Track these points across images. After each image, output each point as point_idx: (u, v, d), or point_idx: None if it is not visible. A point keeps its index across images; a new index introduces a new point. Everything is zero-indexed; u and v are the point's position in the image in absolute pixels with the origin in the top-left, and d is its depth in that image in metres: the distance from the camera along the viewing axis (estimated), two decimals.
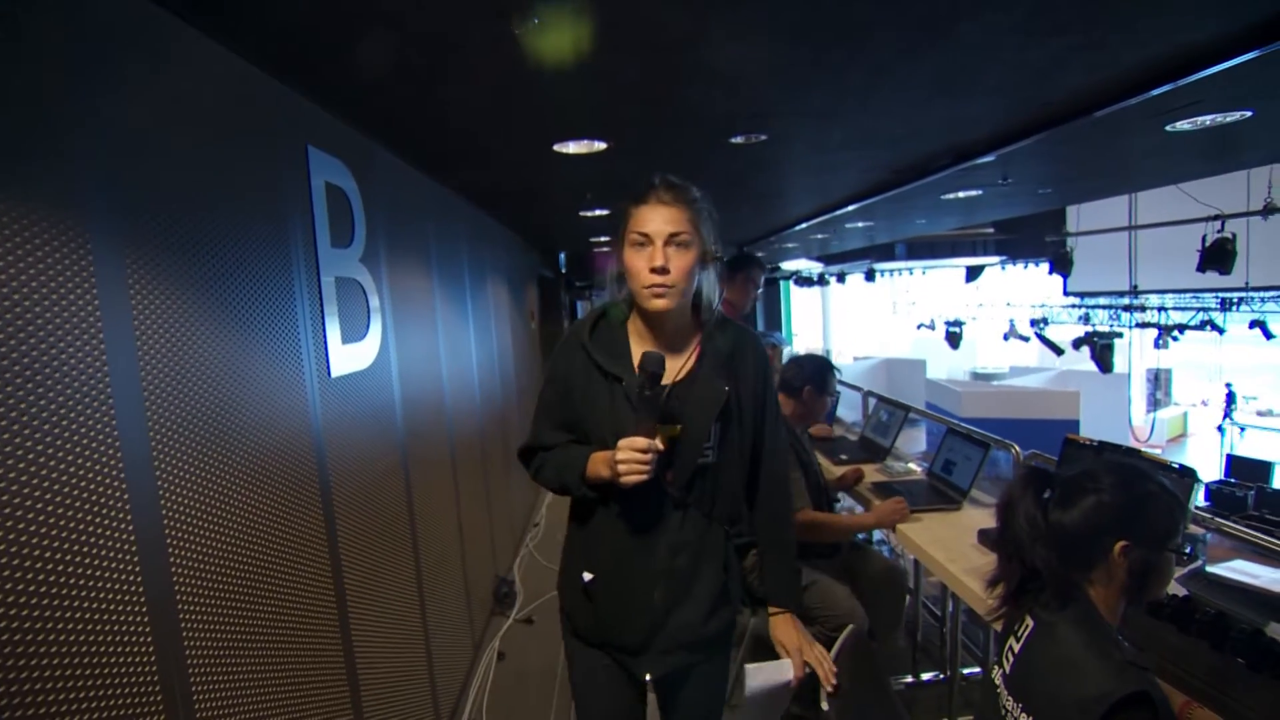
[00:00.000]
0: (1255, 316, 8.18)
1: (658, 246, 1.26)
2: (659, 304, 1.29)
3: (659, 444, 1.24)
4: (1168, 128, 2.37)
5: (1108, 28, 1.50)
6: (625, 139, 2.29)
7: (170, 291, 1.14)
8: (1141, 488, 1.11)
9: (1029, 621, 1.16)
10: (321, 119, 1.83)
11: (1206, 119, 2.27)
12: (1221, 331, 8.40)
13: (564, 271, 8.51)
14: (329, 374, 1.74)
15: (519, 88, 1.73)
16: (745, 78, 1.73)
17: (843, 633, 1.54)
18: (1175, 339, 8.78)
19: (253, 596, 1.31)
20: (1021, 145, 2.50)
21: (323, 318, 1.72)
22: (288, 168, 1.61)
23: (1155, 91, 1.80)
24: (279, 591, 1.41)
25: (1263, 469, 7.29)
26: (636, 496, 1.30)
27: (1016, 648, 1.16)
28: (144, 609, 1.00)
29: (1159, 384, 14.87)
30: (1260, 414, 14.61)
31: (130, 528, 0.99)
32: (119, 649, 0.95)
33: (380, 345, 2.12)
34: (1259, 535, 1.71)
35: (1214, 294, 8.19)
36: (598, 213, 4.18)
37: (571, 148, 2.33)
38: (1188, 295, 8.56)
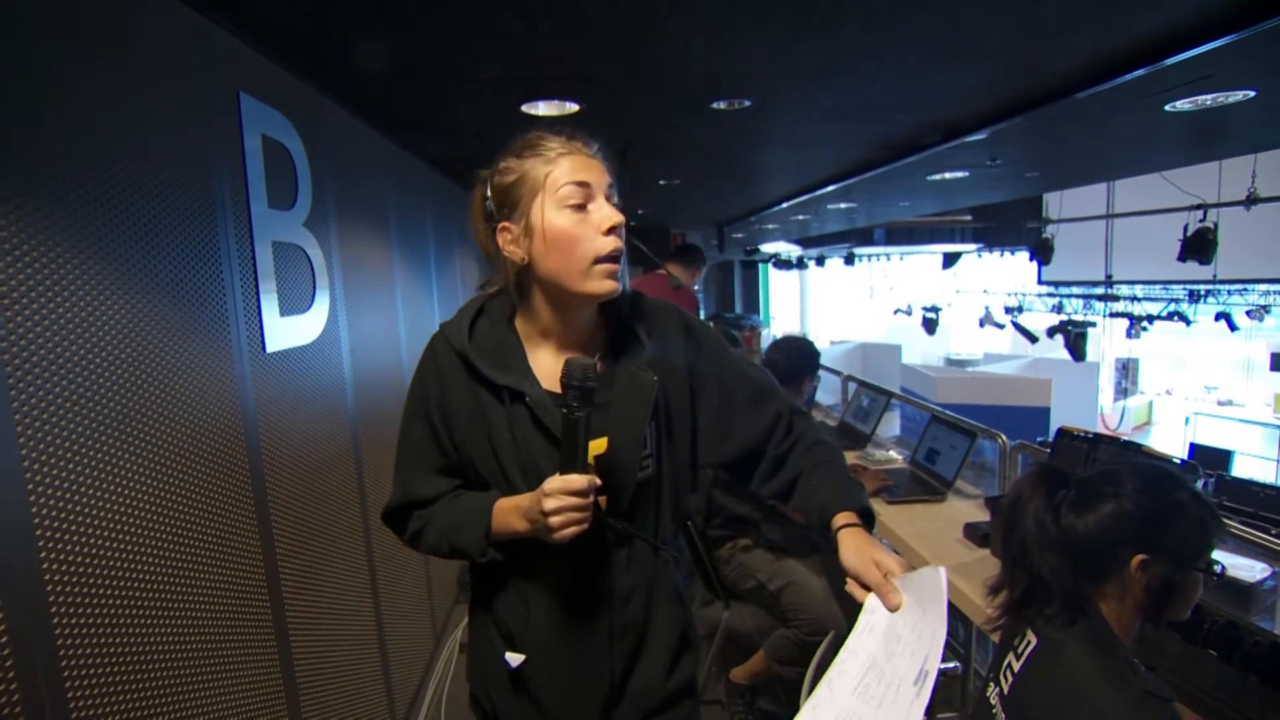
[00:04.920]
0: (1221, 309, 8.31)
1: (601, 200, 0.95)
2: (611, 287, 0.96)
3: (596, 478, 0.93)
4: (1167, 107, 2.27)
5: None
6: (599, 101, 2.12)
7: (51, 250, 0.96)
8: (1171, 496, 0.99)
9: (1031, 637, 1.04)
10: (260, 66, 1.63)
11: (1209, 98, 2.18)
12: (1189, 322, 8.51)
13: None
14: (264, 349, 1.56)
15: (484, 34, 1.57)
16: (730, 27, 1.57)
17: (823, 640, 1.42)
18: (1145, 329, 8.88)
19: (158, 596, 1.15)
20: (1014, 122, 2.39)
21: (256, 286, 1.54)
22: (214, 114, 1.43)
23: (1168, 61, 1.69)
24: (192, 588, 1.25)
25: (1223, 457, 7.42)
26: (565, 543, 0.96)
27: (1016, 666, 1.04)
28: None
29: (1127, 373, 15.14)
30: (1221, 404, 14.98)
31: None
32: None
33: (328, 318, 1.95)
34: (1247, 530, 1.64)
35: (1183, 285, 8.28)
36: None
37: (541, 108, 2.16)
38: (1158, 286, 8.65)
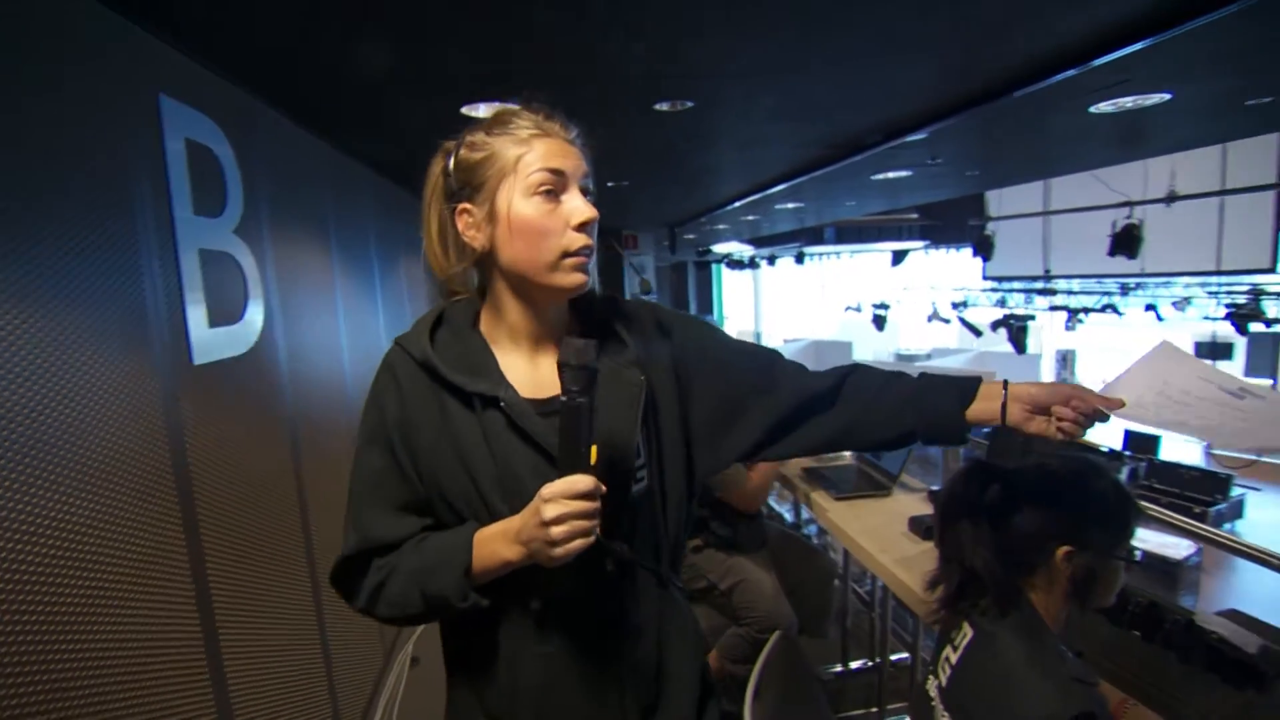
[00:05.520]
0: (1150, 300, 8.69)
1: (575, 191, 0.86)
2: (579, 280, 0.87)
3: (600, 483, 0.79)
4: (1092, 109, 2.36)
5: None
6: (541, 102, 2.10)
7: None
8: (1092, 489, 1.02)
9: (968, 630, 1.07)
10: (183, 67, 1.57)
11: (1129, 100, 2.27)
12: (1120, 315, 8.89)
13: None
14: (190, 360, 1.50)
15: (422, 35, 1.53)
16: (670, 28, 1.57)
17: (771, 637, 1.43)
18: (1081, 321, 9.22)
19: (69, 629, 1.09)
20: (953, 122, 2.45)
21: (181, 296, 1.48)
22: (131, 118, 1.36)
23: (1096, 62, 1.75)
24: (111, 616, 1.19)
25: (1152, 442, 7.75)
26: (553, 576, 0.83)
27: (954, 658, 1.07)
28: None
29: (1066, 364, 15.73)
30: None
31: None
32: None
33: (263, 327, 1.88)
34: (1170, 514, 1.71)
35: (1115, 279, 8.63)
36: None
37: (483, 110, 2.13)
38: (1092, 280, 9.00)
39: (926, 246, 10.91)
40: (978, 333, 10.65)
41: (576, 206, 0.86)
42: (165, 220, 1.44)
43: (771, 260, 12.51)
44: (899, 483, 2.47)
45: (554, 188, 0.85)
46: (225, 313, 1.68)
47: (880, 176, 3.93)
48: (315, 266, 2.41)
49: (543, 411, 0.87)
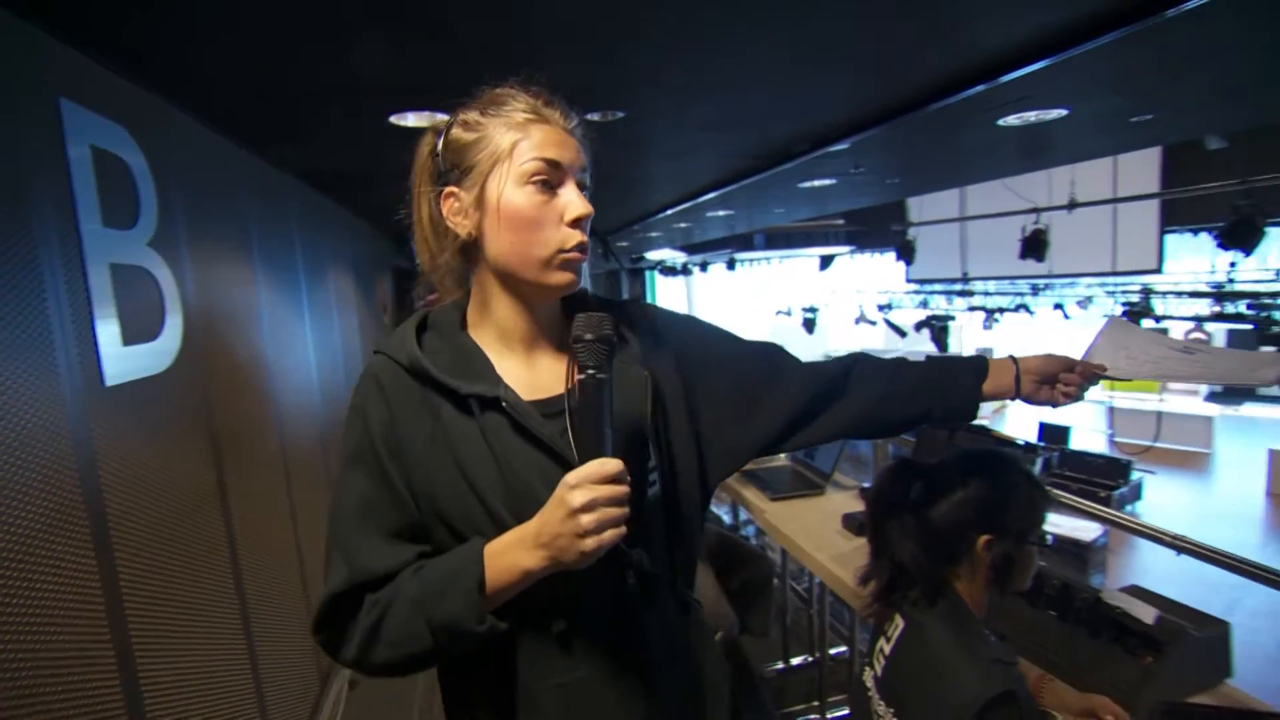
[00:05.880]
0: (1057, 300, 9.26)
1: (571, 184, 0.81)
2: (570, 279, 0.82)
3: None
4: (999, 122, 2.51)
5: (969, 6, 1.50)
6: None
7: None
8: (1005, 479, 1.09)
9: (899, 621, 1.12)
10: (87, 71, 1.49)
11: (1031, 115, 2.43)
12: (1032, 314, 9.43)
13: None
14: (102, 382, 1.42)
15: (346, 43, 1.50)
16: (601, 39, 1.59)
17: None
18: (997, 320, 9.74)
19: None
20: (873, 133, 2.55)
21: (90, 313, 1.40)
22: (26, 123, 1.28)
23: (1003, 79, 1.86)
24: (13, 659, 1.11)
25: (1063, 433, 8.24)
26: (575, 592, 0.78)
27: (887, 649, 1.12)
28: None
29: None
30: None
31: None
32: None
33: (183, 344, 1.80)
34: (1079, 500, 1.84)
35: (1027, 280, 9.16)
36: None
37: (411, 119, 2.09)
38: (1006, 282, 9.52)
39: (852, 251, 11.32)
40: (902, 333, 11.09)
41: (571, 200, 0.80)
42: (70, 233, 1.36)
43: (704, 267, 12.71)
44: (832, 481, 2.55)
45: (549, 179, 0.80)
46: (141, 330, 1.60)
47: (807, 185, 4.06)
48: (238, 280, 2.32)
49: (545, 414, 0.81)
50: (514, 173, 0.79)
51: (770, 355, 1.01)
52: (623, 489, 0.71)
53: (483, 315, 0.87)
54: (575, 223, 0.81)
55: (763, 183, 3.73)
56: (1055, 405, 1.02)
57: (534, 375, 0.85)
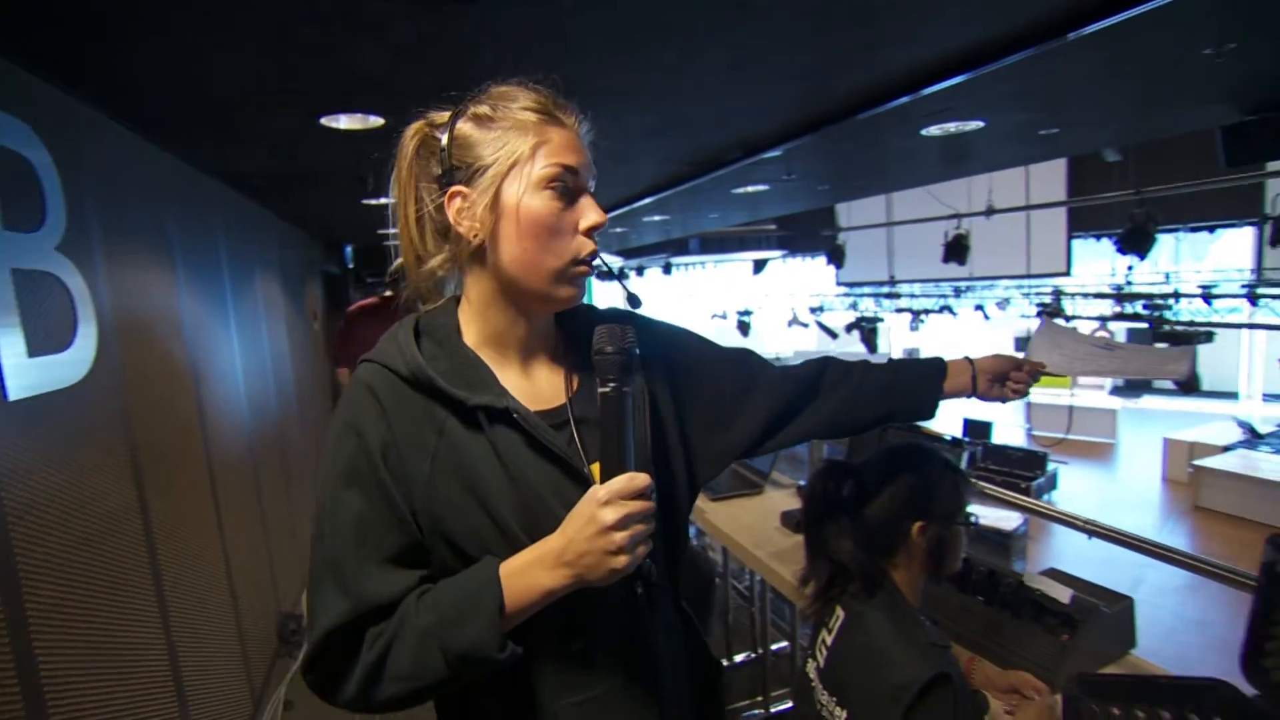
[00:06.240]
0: (978, 301, 9.75)
1: (587, 193, 0.78)
2: (577, 292, 0.80)
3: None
4: (923, 132, 2.64)
5: (896, 24, 1.57)
6: (406, 114, 2.04)
7: None
8: (930, 467, 1.16)
9: (840, 612, 1.16)
10: None
11: (952, 126, 2.56)
12: (955, 315, 9.90)
13: (351, 266, 7.80)
14: (4, 395, 1.33)
15: (275, 42, 1.45)
16: (539, 45, 1.59)
17: None
18: (923, 322, 10.17)
19: None
20: (805, 140, 2.64)
21: None
22: None
23: (925, 91, 1.96)
24: None
25: (985, 428, 8.67)
26: (589, 608, 0.75)
27: (829, 640, 1.16)
28: None
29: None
30: None
31: None
32: None
33: (97, 354, 1.70)
34: (1001, 490, 1.95)
35: (949, 283, 9.61)
36: (383, 200, 3.80)
37: (343, 121, 2.04)
38: (931, 284, 9.96)
39: (784, 255, 11.63)
40: (834, 335, 11.44)
41: (588, 209, 0.78)
42: None
43: (640, 271, 12.80)
44: (770, 480, 2.61)
45: (569, 185, 0.76)
46: (49, 340, 1.51)
47: (741, 190, 4.15)
48: (158, 286, 2.21)
49: (551, 425, 0.78)
50: (534, 177, 0.75)
51: (748, 362, 1.03)
52: (652, 504, 0.70)
53: (478, 323, 0.82)
54: (590, 231, 0.78)
55: (698, 189, 3.80)
56: (1005, 401, 1.11)
57: (532, 385, 0.82)
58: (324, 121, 2.03)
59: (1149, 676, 1.28)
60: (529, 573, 0.70)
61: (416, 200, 0.81)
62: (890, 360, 1.10)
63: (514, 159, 0.75)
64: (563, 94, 0.80)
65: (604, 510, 0.67)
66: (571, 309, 0.85)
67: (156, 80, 1.65)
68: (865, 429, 1.08)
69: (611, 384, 0.70)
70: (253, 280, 3.52)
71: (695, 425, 0.93)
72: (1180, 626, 4.53)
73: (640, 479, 0.69)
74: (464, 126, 0.78)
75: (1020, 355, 1.15)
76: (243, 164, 2.71)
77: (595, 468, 0.77)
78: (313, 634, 0.72)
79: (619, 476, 0.69)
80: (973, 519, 1.15)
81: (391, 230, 0.86)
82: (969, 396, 1.08)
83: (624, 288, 0.92)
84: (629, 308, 0.91)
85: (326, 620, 0.71)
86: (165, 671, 1.90)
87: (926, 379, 1.07)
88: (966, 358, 1.10)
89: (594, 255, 0.79)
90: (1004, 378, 1.10)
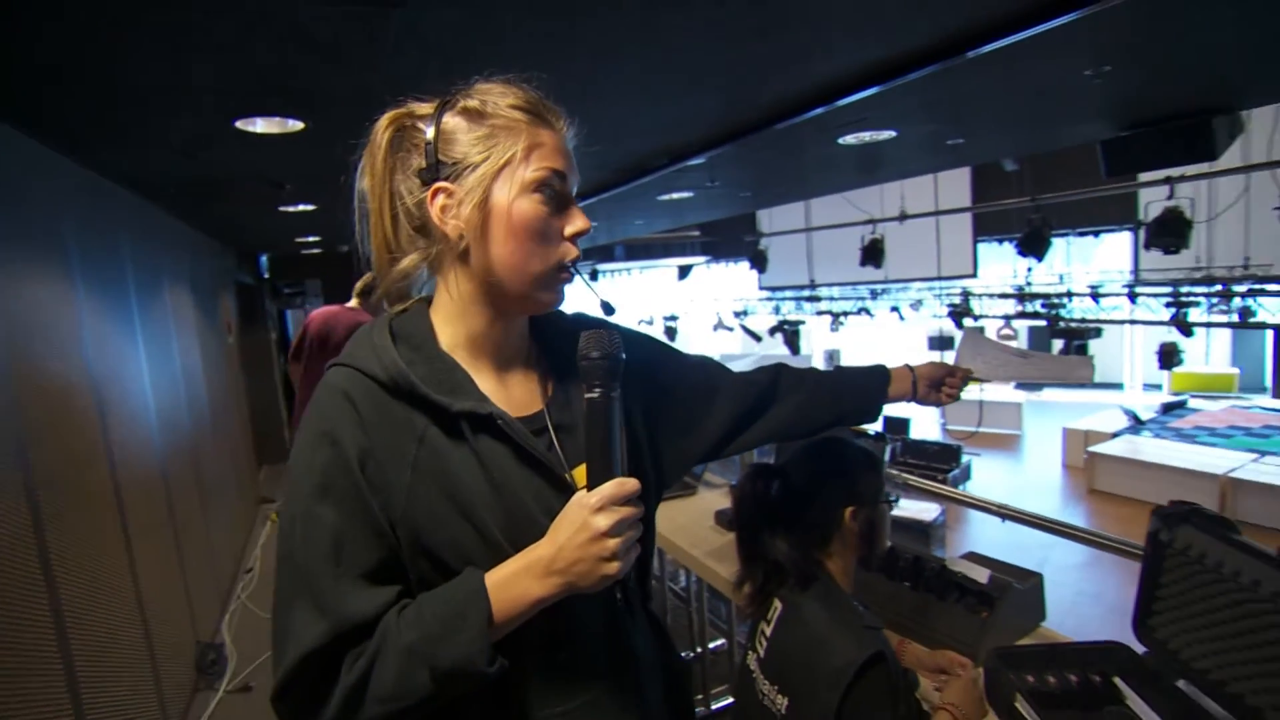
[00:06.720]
0: (893, 303, 10.22)
1: (573, 198, 0.78)
2: (557, 298, 0.80)
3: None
4: (839, 140, 2.76)
5: (811, 36, 1.64)
6: (327, 120, 1.99)
7: None
8: (850, 455, 1.23)
9: (778, 605, 1.20)
10: None
11: (866, 135, 2.69)
12: (872, 316, 10.35)
13: (267, 276, 7.46)
14: None
15: (186, 41, 1.39)
16: (461, 49, 1.57)
17: None
18: (842, 323, 10.58)
19: None
20: (727, 149, 2.72)
21: None
22: None
23: (840, 102, 2.05)
24: None
25: (904, 424, 9.09)
26: (573, 616, 0.75)
27: (768, 631, 1.20)
28: None
29: (832, 362, 17.94)
30: None
31: None
32: None
33: None
34: (922, 481, 2.07)
35: (867, 286, 10.03)
36: (302, 208, 3.67)
37: (260, 125, 1.97)
38: (849, 287, 10.37)
39: (708, 261, 11.86)
40: (757, 338, 11.73)
41: (575, 215, 0.77)
42: None
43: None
44: (703, 481, 2.66)
45: (557, 190, 0.75)
46: None
47: (666, 197, 4.22)
48: (53, 299, 2.06)
49: (530, 431, 0.77)
50: (525, 180, 0.73)
51: (710, 368, 1.05)
52: (641, 509, 0.70)
53: (454, 325, 0.79)
54: (574, 237, 0.77)
55: (623, 195, 3.84)
56: (940, 405, 1.22)
57: (508, 391, 0.80)
58: (239, 125, 1.94)
59: (1057, 645, 1.38)
60: (517, 582, 0.69)
61: (392, 195, 0.77)
62: (838, 368, 1.17)
63: (505, 159, 0.73)
64: (550, 96, 0.78)
65: (597, 517, 0.66)
66: (544, 314, 0.84)
67: (51, 79, 1.55)
68: (818, 432, 1.14)
69: (599, 389, 0.70)
70: (161, 292, 3.33)
71: (662, 429, 0.94)
72: (1081, 600, 4.90)
73: (630, 484, 0.69)
74: (452, 120, 0.75)
75: (949, 362, 1.26)
76: (150, 169, 2.57)
77: (577, 473, 0.77)
78: (285, 659, 0.68)
79: (610, 482, 0.68)
80: (892, 496, 1.23)
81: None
82: (909, 401, 1.18)
83: (596, 294, 0.92)
84: (602, 314, 0.92)
85: (302, 644, 0.67)
86: (67, 712, 1.77)
87: (873, 385, 1.15)
88: (907, 365, 1.19)
89: (577, 261, 0.78)
90: (940, 383, 1.20)
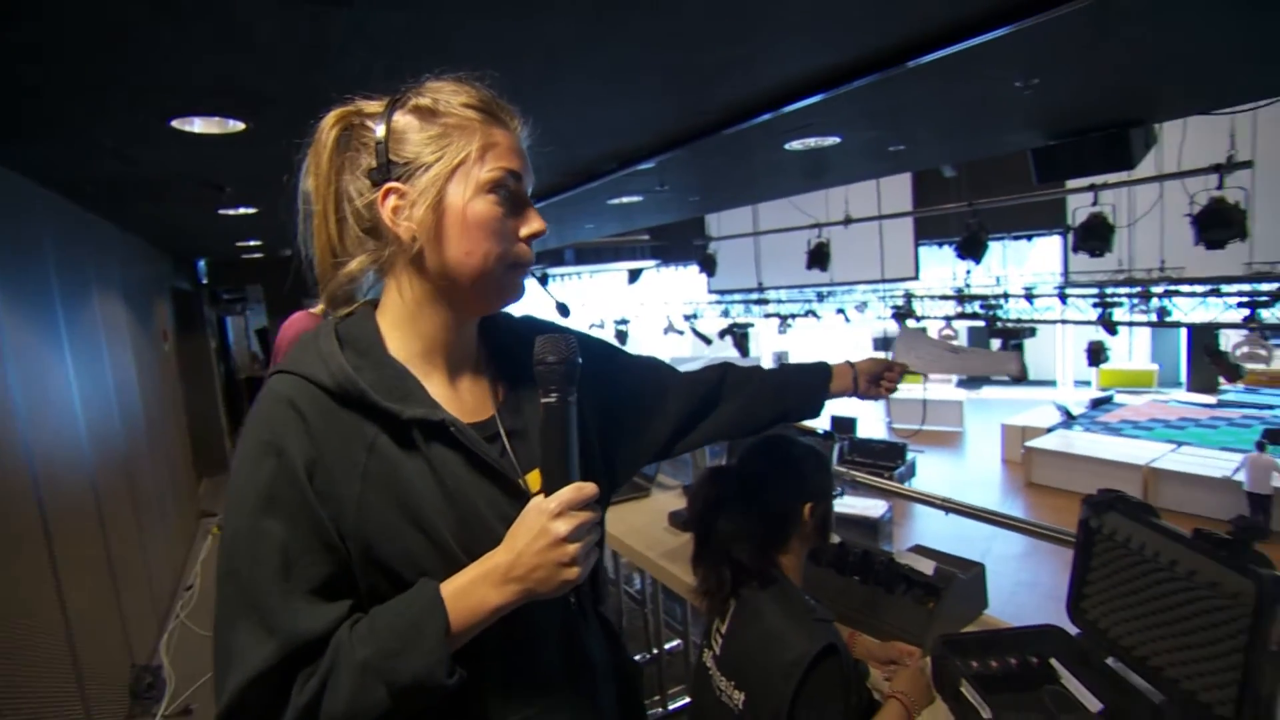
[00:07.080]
0: (839, 305, 10.48)
1: (528, 199, 0.77)
2: (514, 296, 0.79)
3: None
4: (786, 146, 2.82)
5: (759, 44, 1.68)
6: (269, 121, 1.94)
7: None
8: (800, 453, 1.26)
9: (732, 603, 1.22)
10: None
11: (812, 141, 2.76)
12: (819, 318, 10.59)
13: (205, 282, 7.18)
14: None
15: (119, 38, 1.34)
16: (408, 52, 1.56)
17: None
18: (790, 325, 10.79)
19: None
20: (677, 153, 2.75)
21: None
22: None
23: (786, 109, 2.10)
24: None
25: (851, 423, 9.33)
26: (530, 623, 0.73)
27: (724, 628, 1.22)
28: None
29: (780, 362, 18.26)
30: None
31: None
32: None
33: None
34: (870, 478, 2.13)
35: (813, 289, 10.26)
36: (242, 211, 3.55)
37: (197, 125, 1.90)
38: (796, 290, 10.59)
39: (658, 265, 11.93)
40: (708, 341, 11.86)
41: (531, 216, 0.76)
42: None
43: None
44: (656, 483, 2.68)
45: (512, 190, 0.73)
46: None
47: (616, 201, 4.25)
48: None
49: (490, 434, 0.76)
50: (479, 180, 0.71)
51: (658, 368, 1.06)
52: (598, 515, 0.69)
53: (403, 330, 0.76)
54: (529, 239, 0.76)
55: (573, 199, 3.85)
56: (879, 399, 1.26)
57: (458, 397, 0.78)
58: (175, 124, 1.87)
59: (998, 631, 1.44)
60: (474, 591, 0.67)
61: (338, 196, 0.74)
62: (782, 365, 1.20)
63: (459, 159, 0.71)
64: (502, 95, 0.76)
65: (556, 522, 0.66)
66: (491, 318, 0.83)
67: None
68: (764, 428, 1.16)
69: (555, 394, 0.69)
70: (89, 300, 3.17)
71: (614, 431, 0.93)
72: (1020, 588, 5.11)
73: (588, 488, 0.68)
74: (403, 119, 0.72)
75: (888, 358, 1.30)
76: (78, 170, 2.44)
77: (530, 478, 0.76)
78: (229, 683, 0.64)
79: (568, 487, 0.68)
80: (838, 491, 1.28)
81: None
82: (851, 395, 1.21)
83: (551, 296, 0.91)
84: (558, 316, 0.93)
85: (250, 666, 0.63)
86: None
87: (815, 381, 1.18)
88: (848, 361, 1.22)
89: (532, 262, 0.77)
90: (879, 378, 1.24)
